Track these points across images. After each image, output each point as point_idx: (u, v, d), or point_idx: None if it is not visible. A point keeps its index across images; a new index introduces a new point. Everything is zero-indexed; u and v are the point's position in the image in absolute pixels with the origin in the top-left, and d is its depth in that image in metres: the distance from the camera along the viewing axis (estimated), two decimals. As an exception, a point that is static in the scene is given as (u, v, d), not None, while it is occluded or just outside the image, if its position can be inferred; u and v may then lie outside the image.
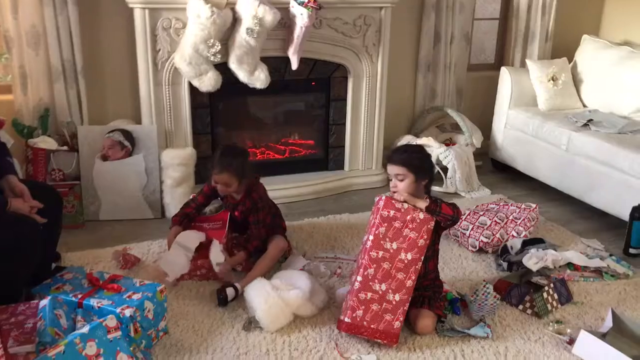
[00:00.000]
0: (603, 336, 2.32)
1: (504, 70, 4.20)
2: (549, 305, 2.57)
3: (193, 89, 3.42)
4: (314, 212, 3.58)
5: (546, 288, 2.60)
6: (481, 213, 3.25)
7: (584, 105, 4.17)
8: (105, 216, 3.39)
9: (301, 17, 3.30)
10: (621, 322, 2.39)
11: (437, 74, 4.37)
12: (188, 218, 2.92)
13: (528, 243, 3.04)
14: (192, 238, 2.78)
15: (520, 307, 2.59)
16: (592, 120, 3.73)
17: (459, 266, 2.98)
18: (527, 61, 4.23)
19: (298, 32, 3.37)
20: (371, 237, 2.33)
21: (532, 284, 2.72)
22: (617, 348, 2.18)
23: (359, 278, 2.30)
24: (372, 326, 2.28)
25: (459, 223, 3.07)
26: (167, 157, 3.39)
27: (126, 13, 3.34)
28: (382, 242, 2.31)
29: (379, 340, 2.28)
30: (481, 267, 2.98)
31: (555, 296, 2.61)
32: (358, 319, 2.29)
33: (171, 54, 3.32)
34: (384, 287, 2.29)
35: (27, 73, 3.28)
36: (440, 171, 3.97)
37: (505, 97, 4.17)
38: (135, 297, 2.21)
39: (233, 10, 3.27)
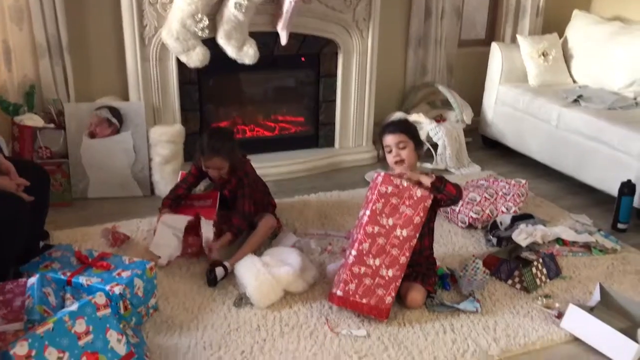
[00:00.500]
0: (591, 310, 2.34)
1: (494, 46, 4.18)
2: (537, 280, 2.59)
3: (181, 65, 3.37)
4: (304, 189, 3.57)
5: (535, 263, 2.61)
6: (471, 189, 3.25)
7: (575, 81, 4.17)
8: (94, 194, 3.36)
9: (290, -9, 3.26)
10: (609, 296, 2.41)
11: (427, 49, 4.34)
12: (179, 199, 2.92)
13: (517, 219, 3.06)
14: (179, 218, 2.76)
15: (509, 282, 2.60)
16: (582, 96, 3.73)
17: (449, 242, 3.00)
18: (518, 37, 4.21)
19: (287, 6, 3.32)
20: (368, 212, 2.32)
21: (521, 259, 2.74)
22: (604, 321, 2.20)
23: (354, 252, 2.31)
24: (363, 300, 2.29)
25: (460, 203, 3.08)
26: (155, 134, 3.36)
27: (112, -13, 3.28)
28: (378, 217, 2.31)
29: (370, 315, 2.30)
30: (470, 242, 3.00)
31: (544, 271, 2.63)
32: (350, 293, 2.29)
33: (158, 29, 3.27)
34: (377, 262, 2.30)
35: (11, 48, 3.22)
36: (431, 148, 3.97)
37: (496, 73, 4.15)
38: (125, 274, 2.20)
39: (221, -16, 3.22)
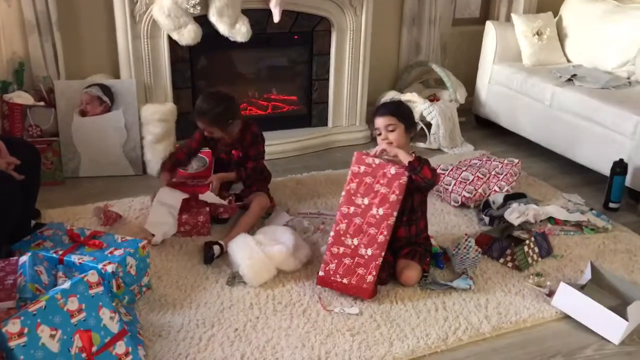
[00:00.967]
0: (582, 288, 2.36)
1: (488, 25, 4.15)
2: (529, 259, 2.61)
3: (173, 43, 3.33)
4: (297, 168, 3.56)
5: (527, 242, 2.63)
6: (464, 168, 3.25)
7: (569, 61, 4.15)
8: (85, 173, 3.34)
9: (283, -33, 3.21)
10: (599, 274, 2.43)
11: (421, 28, 4.31)
12: (179, 164, 2.95)
13: (510, 198, 3.06)
14: (175, 196, 2.75)
15: (502, 260, 2.62)
16: (576, 75, 3.72)
17: (442, 221, 3.00)
18: (513, 15, 4.18)
19: (280, -17, 3.28)
20: (343, 193, 2.33)
21: (513, 238, 2.75)
22: (595, 299, 2.22)
23: (332, 233, 2.33)
24: (344, 281, 2.30)
25: (438, 185, 3.09)
26: (147, 112, 3.33)
27: (101, -38, 3.23)
28: (353, 197, 2.31)
29: (355, 296, 2.31)
30: (463, 221, 3.01)
31: (536, 250, 2.65)
32: (331, 272, 2.31)
33: (149, 5, 3.22)
34: (355, 241, 2.30)
35: (0, 25, 3.17)
36: (424, 127, 3.96)
37: (490, 52, 4.13)
38: (117, 253, 2.20)
39: (213, -40, 3.17)
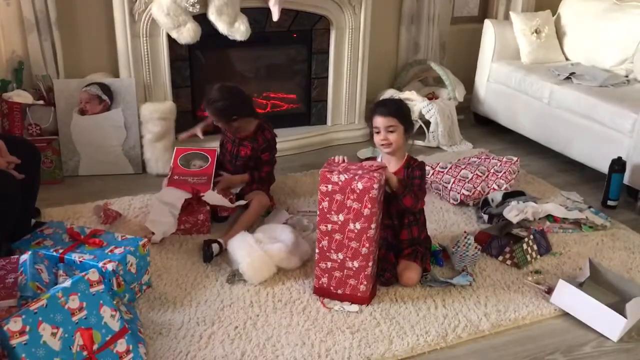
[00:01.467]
0: (580, 285, 2.37)
1: (487, 23, 4.16)
2: (528, 256, 2.62)
3: (172, 41, 3.33)
4: (296, 167, 3.57)
5: (526, 239, 2.64)
6: (463, 166, 3.26)
7: (567, 59, 4.16)
8: (85, 171, 3.34)
9: (282, -34, 3.22)
10: (598, 271, 2.44)
11: (420, 26, 4.31)
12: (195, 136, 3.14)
13: (509, 196, 3.07)
14: (176, 196, 2.76)
15: (500, 258, 2.63)
16: (574, 73, 3.73)
17: (441, 219, 3.01)
18: (511, 13, 4.18)
19: (279, -18, 3.28)
20: (317, 212, 2.28)
21: (512, 235, 2.76)
22: (593, 296, 2.23)
23: (317, 250, 2.31)
24: (338, 292, 2.30)
25: (437, 183, 3.09)
26: (146, 111, 3.33)
27: (100, -39, 3.23)
28: (328, 215, 2.25)
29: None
30: (462, 219, 3.01)
31: (535, 247, 2.66)
32: (325, 285, 2.32)
33: (148, 4, 3.22)
34: (340, 256, 2.27)
35: (-1, 24, 3.18)
36: (423, 125, 3.97)
37: (489, 50, 4.14)
38: (118, 251, 2.21)
39: (212, -42, 3.17)
